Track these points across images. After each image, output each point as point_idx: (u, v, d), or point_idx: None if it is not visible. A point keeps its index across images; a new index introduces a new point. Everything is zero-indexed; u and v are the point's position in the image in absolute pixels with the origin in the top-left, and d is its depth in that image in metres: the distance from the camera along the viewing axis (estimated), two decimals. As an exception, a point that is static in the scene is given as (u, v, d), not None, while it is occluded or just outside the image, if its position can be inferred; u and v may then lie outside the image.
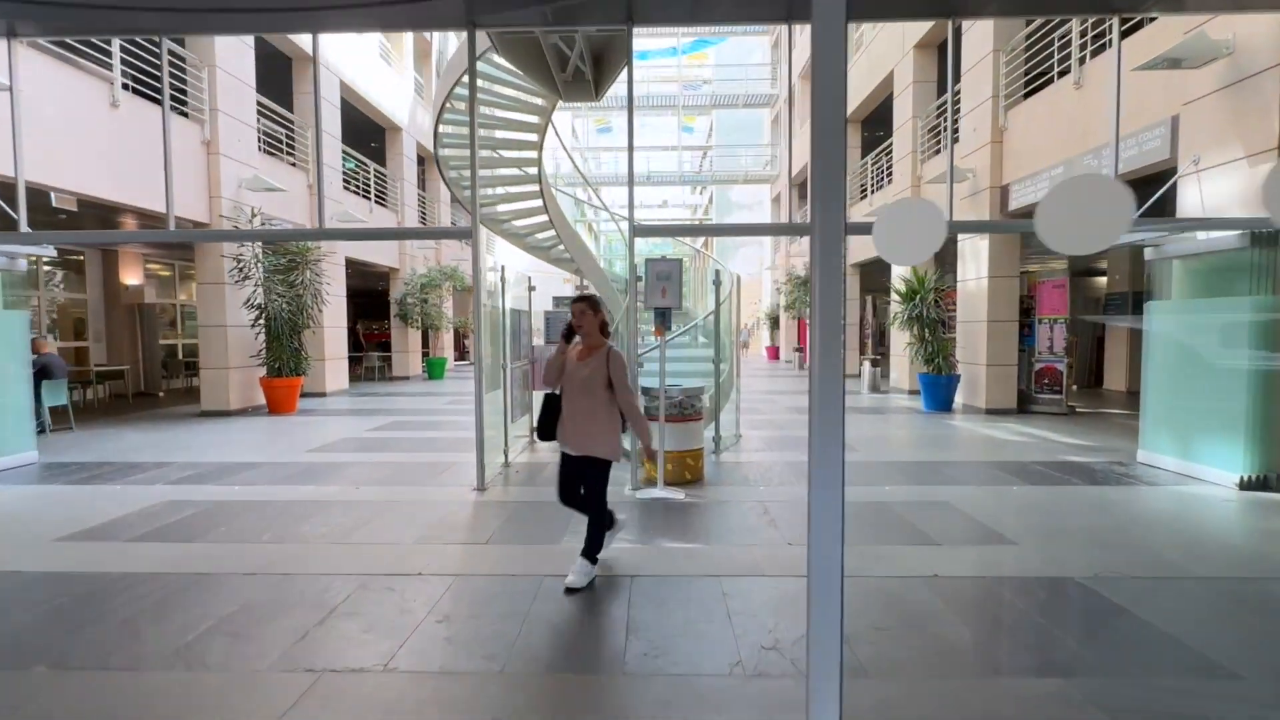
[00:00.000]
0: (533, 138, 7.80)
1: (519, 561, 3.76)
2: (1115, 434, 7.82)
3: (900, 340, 12.90)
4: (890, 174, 13.92)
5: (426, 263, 17.83)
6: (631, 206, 5.17)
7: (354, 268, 16.68)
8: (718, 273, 6.70)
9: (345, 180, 14.98)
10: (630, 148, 5.23)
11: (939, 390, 10.03)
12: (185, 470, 6.16)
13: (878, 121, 16.26)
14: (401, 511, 4.72)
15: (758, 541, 4.03)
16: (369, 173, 15.57)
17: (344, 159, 15.13)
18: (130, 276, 13.71)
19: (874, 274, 18.79)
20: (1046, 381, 9.69)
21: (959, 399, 10.30)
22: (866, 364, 13.25)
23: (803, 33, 21.96)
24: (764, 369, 21.03)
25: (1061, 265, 9.91)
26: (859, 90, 15.50)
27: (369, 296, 22.82)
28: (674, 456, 5.49)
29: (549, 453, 6.99)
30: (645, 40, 33.08)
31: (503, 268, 6.48)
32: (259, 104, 11.19)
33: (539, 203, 8.20)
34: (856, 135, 16.85)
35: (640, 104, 26.98)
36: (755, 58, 30.39)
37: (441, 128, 7.43)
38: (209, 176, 9.92)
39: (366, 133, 16.72)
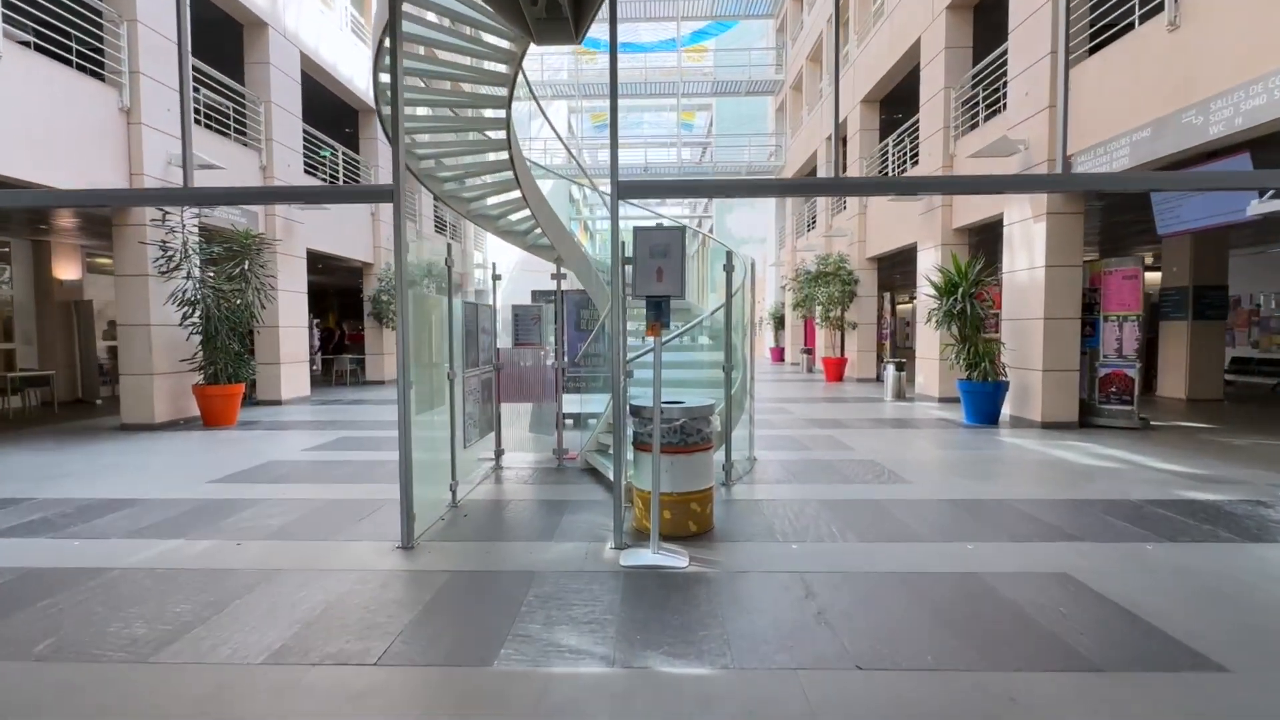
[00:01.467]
0: (500, 92, 6.32)
1: (419, 707, 2.28)
2: (1217, 456, 6.34)
3: (926, 342, 11.44)
4: (915, 155, 12.46)
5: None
6: (614, 158, 3.71)
7: (325, 262, 15.24)
8: (729, 255, 5.23)
9: (313, 167, 13.53)
10: (613, 76, 3.78)
11: (984, 400, 8.56)
12: (35, 511, 4.69)
13: (898, 102, 14.81)
14: (279, 591, 3.25)
15: (805, 659, 2.55)
16: (338, 157, 14.12)
17: (321, 148, 13.71)
18: (65, 271, 12.25)
19: (890, 269, 17.34)
20: (1114, 390, 8.21)
21: (1006, 410, 8.82)
22: (890, 368, 11.77)
23: (809, 10, 20.54)
24: (769, 372, 19.56)
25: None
26: (878, 67, 14.05)
27: (355, 295, 21.40)
28: (673, 501, 4.02)
29: (516, 483, 5.52)
30: (644, 31, 31.69)
31: (449, 246, 5.02)
32: (198, 72, 9.73)
33: (509, 175, 6.72)
34: (874, 117, 15.40)
35: (638, 93, 25.55)
36: (759, 43, 28.95)
37: (383, 77, 5.95)
38: (129, 150, 8.46)
39: (340, 115, 15.28)
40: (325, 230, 13.21)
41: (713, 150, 31.98)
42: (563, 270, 6.23)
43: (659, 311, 3.62)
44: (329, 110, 14.64)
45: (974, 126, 10.39)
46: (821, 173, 18.72)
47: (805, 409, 10.44)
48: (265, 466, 6.24)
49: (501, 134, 6.49)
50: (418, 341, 4.26)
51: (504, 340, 6.53)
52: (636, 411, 4.08)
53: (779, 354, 25.90)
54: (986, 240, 11.69)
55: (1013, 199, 8.86)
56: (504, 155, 6.63)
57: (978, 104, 10.30)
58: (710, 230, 49.48)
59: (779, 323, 25.67)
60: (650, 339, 3.81)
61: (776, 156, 24.95)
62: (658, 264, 3.58)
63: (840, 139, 17.78)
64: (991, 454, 6.66)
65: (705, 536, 4.05)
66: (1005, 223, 9.10)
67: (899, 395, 11.64)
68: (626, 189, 3.72)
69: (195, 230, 9.12)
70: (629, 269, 3.77)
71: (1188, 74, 6.16)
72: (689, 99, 36.96)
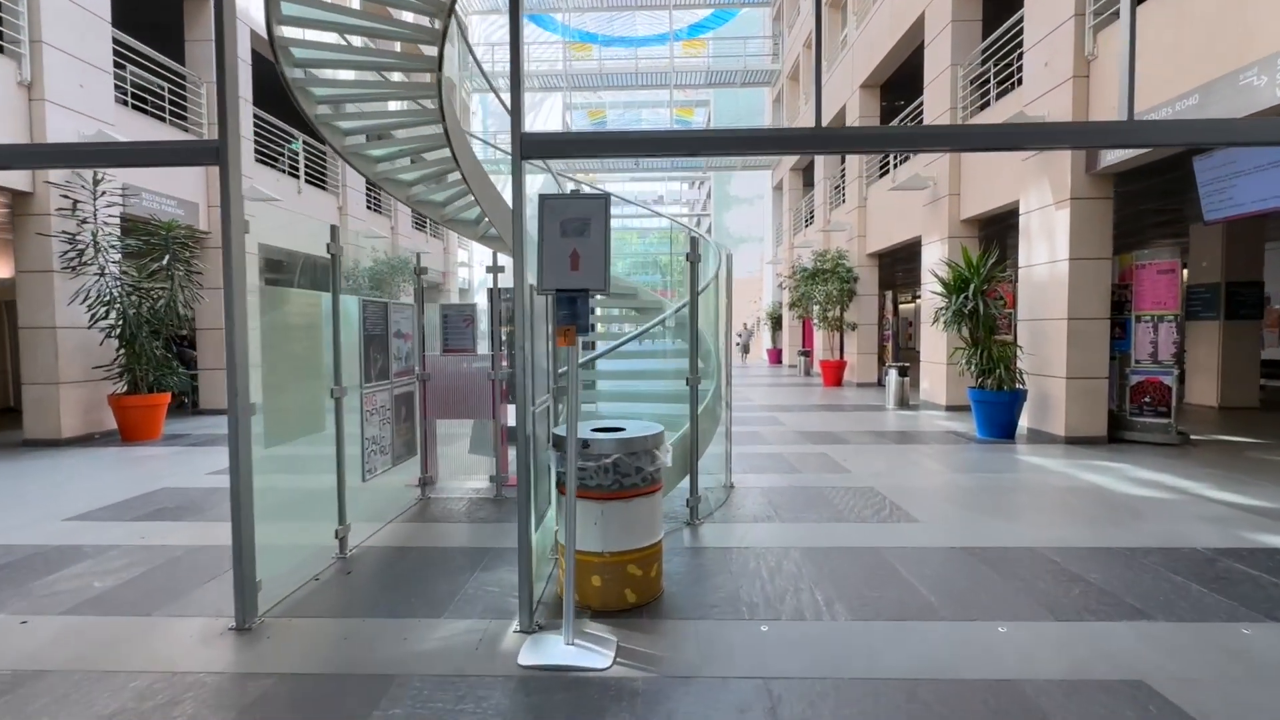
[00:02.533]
0: (429, 51, 5.34)
1: None
2: (1274, 479, 5.35)
3: (932, 344, 10.46)
4: (919, 141, 11.44)
5: (375, 253, 15.40)
6: (518, 94, 2.72)
7: (293, 259, 14.27)
8: (694, 243, 4.24)
9: (271, 159, 12.57)
10: (516, -10, 2.79)
11: (999, 411, 7.55)
12: None
13: (900, 87, 13.81)
14: (28, 709, 2.26)
15: None
16: (297, 144, 13.15)
17: (289, 138, 12.74)
18: (-4, 268, 11.28)
19: (892, 266, 16.36)
20: (1147, 400, 7.21)
21: (1023, 422, 7.82)
22: (892, 373, 10.78)
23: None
24: (765, 375, 18.57)
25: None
26: (878, 47, 13.06)
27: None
28: (604, 563, 3.02)
29: (438, 522, 4.53)
30: (640, 26, 30.71)
31: (333, 228, 4.04)
32: (122, 45, 8.77)
33: (446, 153, 5.74)
34: (874, 104, 14.40)
35: (630, 84, 24.61)
36: (756, 37, 27.94)
37: (281, 31, 4.96)
38: (30, 129, 7.48)
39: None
40: (285, 224, 12.25)
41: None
42: (499, 264, 5.24)
43: (573, 312, 2.62)
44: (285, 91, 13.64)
45: (984, 106, 9.39)
46: (819, 165, 17.74)
47: (798, 419, 9.45)
48: (150, 496, 5.26)
49: (434, 103, 5.51)
50: (278, 350, 3.28)
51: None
52: (558, 443, 3.09)
53: (776, 356, 24.91)
54: (998, 233, 10.71)
55: (1030, 183, 7.86)
56: (438, 129, 5.65)
57: (988, 81, 9.30)
58: (709, 230, 48.34)
59: (776, 323, 24.68)
60: (600, 346, 2.83)
61: (773, 150, 23.95)
62: (572, 246, 2.59)
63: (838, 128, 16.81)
64: (1012, 479, 5.66)
65: (649, 609, 3.06)
66: (1021, 211, 8.09)
67: (902, 403, 10.64)
68: (534, 146, 2.73)
69: (112, 221, 8.15)
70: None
71: (1247, 29, 5.16)
72: (686, 93, 35.92)
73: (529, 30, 28.92)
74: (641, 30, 31.02)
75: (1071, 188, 7.12)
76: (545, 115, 33.04)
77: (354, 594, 3.29)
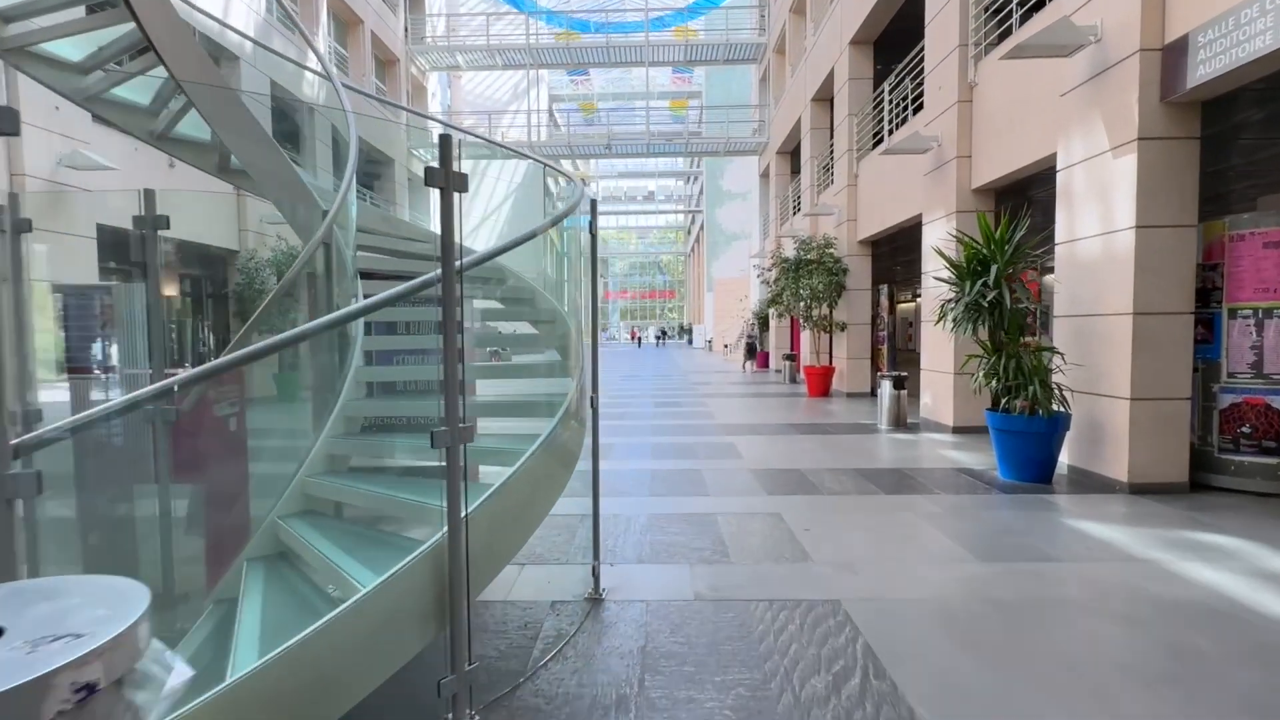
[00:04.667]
0: None
1: None
2: None
3: (935, 348, 8.26)
4: (919, 97, 9.27)
5: (279, 242, 13.21)
6: None
7: (177, 251, 12.10)
8: (445, 143, 2.03)
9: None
10: None
11: (1032, 444, 5.33)
12: None
13: (896, 42, 11.61)
14: None
15: None
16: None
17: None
18: None
19: (890, 257, 14.15)
20: (1246, 430, 4.99)
21: (1063, 458, 5.60)
22: (886, 385, 8.57)
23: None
24: (747, 383, 16.34)
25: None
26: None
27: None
28: None
29: None
30: (628, 9, 28.58)
31: None
32: None
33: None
34: (867, 63, 12.19)
35: (603, 60, 22.49)
36: (743, 16, 25.75)
37: None
38: None
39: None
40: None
41: (701, 130, 28.95)
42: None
43: None
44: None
45: (1004, 36, 7.19)
46: (806, 142, 15.53)
47: (762, 448, 7.23)
48: None
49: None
50: None
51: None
52: None
53: (764, 359, 22.67)
54: (1020, 205, 8.49)
55: (1074, 124, 5.61)
56: None
57: (1008, 5, 7.10)
58: (701, 227, 45.92)
59: (764, 324, 22.45)
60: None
61: (760, 132, 21.76)
62: None
63: (827, 99, 14.59)
64: (1072, 577, 3.44)
65: None
66: (1060, 166, 5.87)
67: (897, 422, 8.43)
68: None
69: None
70: None
71: None
72: (678, 85, 33.78)
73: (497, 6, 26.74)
74: (631, 16, 28.94)
75: (1139, 124, 4.90)
76: (531, 105, 30.84)
77: None
